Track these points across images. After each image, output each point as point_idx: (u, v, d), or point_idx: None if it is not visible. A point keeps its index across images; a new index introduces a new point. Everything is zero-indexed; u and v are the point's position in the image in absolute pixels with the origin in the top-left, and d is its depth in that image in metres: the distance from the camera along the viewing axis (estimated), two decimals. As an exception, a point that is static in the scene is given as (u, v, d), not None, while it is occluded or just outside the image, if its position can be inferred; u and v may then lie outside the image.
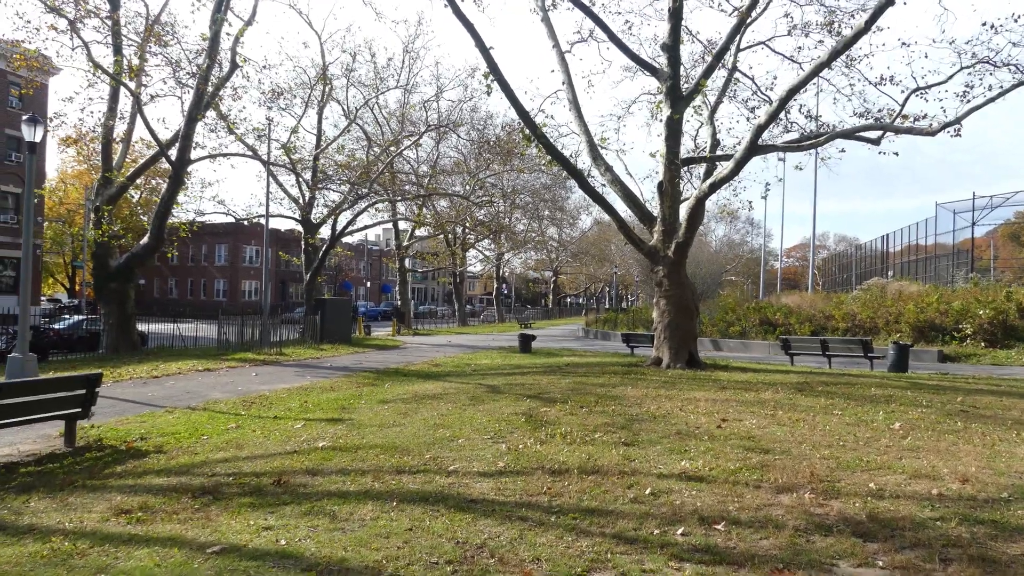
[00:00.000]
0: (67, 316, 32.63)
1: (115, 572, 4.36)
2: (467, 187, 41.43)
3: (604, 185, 19.98)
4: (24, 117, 14.79)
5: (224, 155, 26.87)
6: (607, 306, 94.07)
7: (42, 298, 58.81)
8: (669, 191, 18.40)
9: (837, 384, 14.55)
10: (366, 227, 40.91)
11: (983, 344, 25.24)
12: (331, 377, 17.04)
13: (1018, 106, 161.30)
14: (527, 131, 18.42)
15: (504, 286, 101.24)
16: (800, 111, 24.30)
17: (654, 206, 19.59)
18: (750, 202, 28.33)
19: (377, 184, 34.80)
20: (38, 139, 14.75)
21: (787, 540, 4.86)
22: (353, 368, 19.53)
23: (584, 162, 20.38)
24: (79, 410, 8.81)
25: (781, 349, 22.64)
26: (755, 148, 16.16)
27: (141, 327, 28.65)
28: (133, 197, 49.07)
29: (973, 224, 40.02)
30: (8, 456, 8.12)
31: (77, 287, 62.97)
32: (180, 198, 25.80)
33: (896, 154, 17.84)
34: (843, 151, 19.02)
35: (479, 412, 10.62)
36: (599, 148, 19.60)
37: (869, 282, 38.09)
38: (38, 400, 8.31)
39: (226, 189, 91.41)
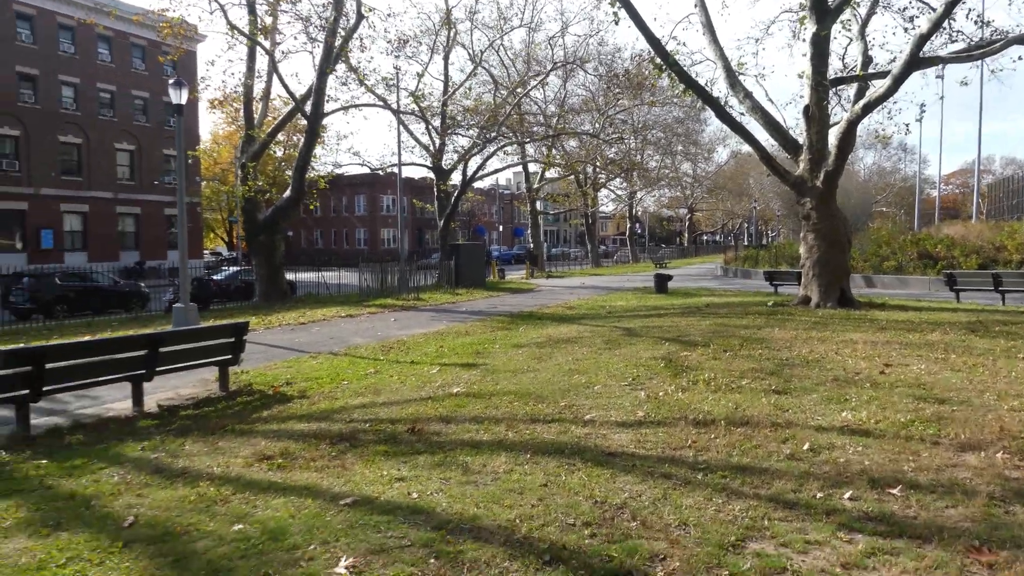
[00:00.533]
0: (226, 268, 35.00)
1: (252, 521, 4.37)
2: (596, 125, 40.33)
3: (743, 114, 18.62)
4: (170, 81, 15.49)
5: (355, 106, 27.42)
6: (746, 243, 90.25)
7: (205, 252, 63.58)
8: (816, 115, 16.87)
9: (1018, 323, 12.99)
10: (496, 171, 40.97)
11: None
12: (466, 322, 17.15)
13: None
14: (658, 60, 17.37)
15: (637, 225, 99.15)
16: (967, 17, 21.54)
17: (798, 133, 18.09)
18: (906, 125, 25.26)
19: (505, 127, 34.50)
20: (184, 101, 15.40)
21: (980, 510, 4.18)
22: (487, 312, 19.61)
23: (720, 90, 19.05)
24: (229, 356, 9.21)
25: (945, 285, 20.63)
26: (916, 62, 14.39)
27: (289, 276, 30.28)
28: (276, 153, 51.43)
29: None
30: (170, 400, 8.60)
31: (234, 241, 67.60)
32: (317, 151, 26.70)
33: (1093, 56, 15.44)
34: (1021, 59, 16.62)
35: (615, 357, 10.23)
36: (736, 74, 18.23)
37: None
38: (192, 348, 8.73)
39: (360, 141, 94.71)
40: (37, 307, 21.87)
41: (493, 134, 32.59)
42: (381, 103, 28.89)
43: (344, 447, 6.05)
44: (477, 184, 78.62)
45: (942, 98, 19.29)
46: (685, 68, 18.11)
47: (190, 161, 27.91)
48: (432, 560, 3.71)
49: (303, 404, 8.01)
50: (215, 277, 29.78)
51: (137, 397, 8.09)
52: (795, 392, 7.49)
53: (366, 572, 3.62)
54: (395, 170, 33.40)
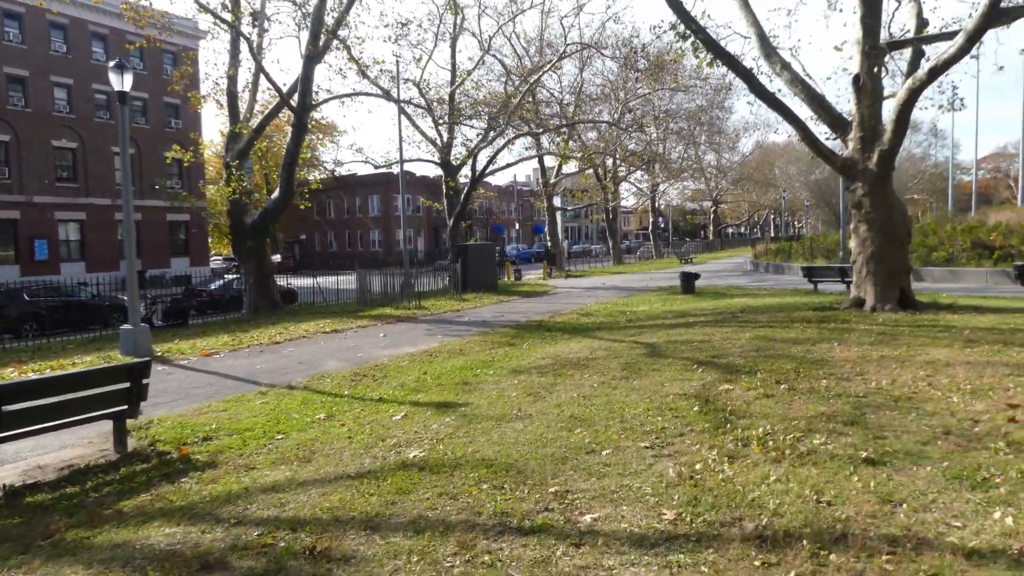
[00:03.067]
0: (224, 276, 33.10)
1: None
2: (615, 115, 37.79)
3: (779, 91, 16.13)
4: (111, 64, 13.39)
5: (349, 96, 25.19)
6: (772, 235, 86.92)
7: (217, 257, 62.04)
8: (868, 86, 14.36)
9: None
10: (508, 165, 38.63)
11: None
12: (464, 335, 14.90)
13: None
14: (681, 27, 15.00)
15: (660, 219, 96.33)
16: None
17: (843, 111, 15.62)
18: (962, 100, 21.38)
19: (517, 117, 32.16)
20: (127, 87, 13.32)
21: None
22: (492, 323, 17.33)
23: (751, 63, 16.57)
24: (125, 407, 7.02)
25: (1015, 279, 18.00)
26: (996, 13, 11.83)
27: (296, 282, 28.29)
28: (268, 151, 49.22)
29: None
30: (31, 473, 6.42)
31: (244, 245, 65.96)
32: (319, 150, 24.61)
33: None
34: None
35: (633, 392, 7.88)
36: (772, 43, 15.78)
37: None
38: (61, 401, 6.53)
39: (363, 136, 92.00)
40: (3, 326, 19.96)
41: (503, 124, 30.23)
42: (381, 93, 26.62)
43: (200, 584, 3.82)
44: (493, 181, 76.44)
45: (1001, 68, 16.52)
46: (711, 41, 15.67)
47: (187, 164, 26.08)
48: None
49: (200, 482, 5.78)
50: (210, 286, 27.90)
51: (-23, 473, 5.93)
52: (897, 460, 5.10)
53: None
54: (410, 168, 31.18)
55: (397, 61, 27.29)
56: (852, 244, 15.20)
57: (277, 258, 58.95)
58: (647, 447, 5.74)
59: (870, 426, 5.97)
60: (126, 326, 13.39)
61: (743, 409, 6.74)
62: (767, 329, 12.42)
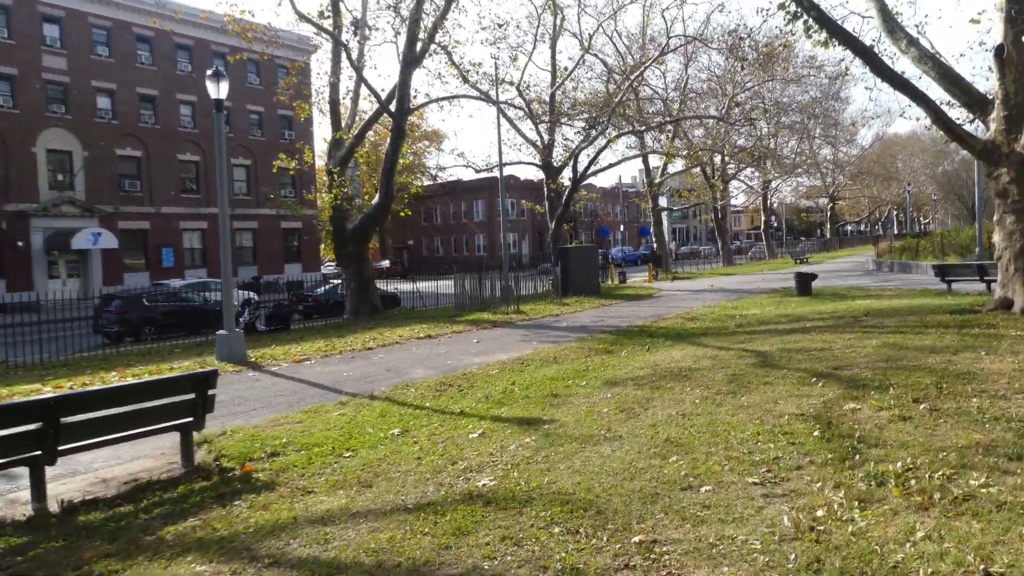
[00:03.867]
0: (331, 282, 33.73)
1: None
2: (721, 110, 35.97)
3: (902, 73, 14.43)
4: (208, 72, 13.50)
5: (447, 99, 25.00)
6: (895, 232, 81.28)
7: (330, 264, 63.98)
8: (1014, 56, 12.59)
9: None
10: (611, 166, 37.49)
11: None
12: (561, 342, 14.14)
13: None
14: (792, 6, 13.72)
15: (773, 218, 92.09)
16: None
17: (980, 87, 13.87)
18: None
19: (619, 115, 31.11)
20: (223, 95, 13.37)
21: None
22: (591, 328, 16.49)
23: (869, 42, 14.95)
24: (190, 419, 6.70)
25: None
26: None
27: (402, 287, 28.42)
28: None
29: None
30: (92, 487, 6.17)
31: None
32: (426, 158, 24.53)
33: None
34: None
35: (741, 411, 6.89)
36: (895, 17, 14.19)
37: None
38: (125, 413, 6.24)
39: (465, 141, 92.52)
40: (125, 330, 20.89)
41: (604, 123, 29.24)
42: (480, 95, 26.22)
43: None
44: (597, 183, 75.26)
45: None
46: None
47: (292, 172, 26.81)
48: None
49: (252, 507, 5.30)
50: (316, 292, 28.40)
51: (37, 488, 5.68)
52: (1087, 511, 3.97)
53: None
54: (514, 172, 30.73)
55: (496, 63, 26.92)
56: (996, 238, 13.41)
57: (385, 263, 60.18)
58: (756, 483, 4.79)
59: (1043, 461, 4.80)
60: (221, 331, 13.44)
61: (875, 435, 5.65)
62: (897, 336, 11.00)
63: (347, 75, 23.91)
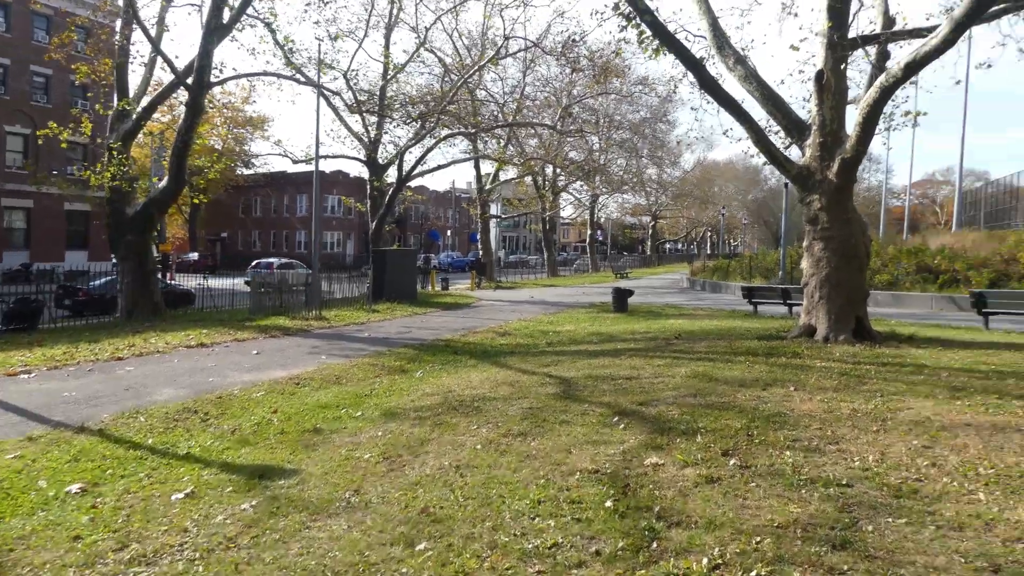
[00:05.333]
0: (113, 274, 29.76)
1: None
2: (556, 121, 35.61)
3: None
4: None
5: (254, 75, 22.45)
6: (708, 252, 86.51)
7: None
8: (832, 83, 12.54)
9: None
10: (439, 167, 36.09)
11: None
12: (354, 356, 12.45)
13: None
14: (626, 6, 12.99)
15: (599, 232, 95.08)
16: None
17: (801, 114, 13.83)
18: (915, 116, 19.31)
19: (452, 115, 29.80)
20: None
21: None
22: (394, 340, 14.92)
23: (702, 55, 14.60)
24: None
25: (972, 307, 16.49)
26: (986, 2, 10.08)
27: (215, 283, 25.29)
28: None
29: None
30: None
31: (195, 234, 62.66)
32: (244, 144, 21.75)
33: None
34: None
35: (526, 464, 5.60)
36: (725, 34, 13.88)
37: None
38: None
39: (288, 132, 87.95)
40: None
41: (435, 120, 27.78)
42: (298, 75, 23.77)
43: None
44: (431, 186, 73.82)
45: (959, 82, 15.09)
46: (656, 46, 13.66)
47: (64, 144, 22.88)
48: None
49: None
50: (90, 284, 24.63)
51: None
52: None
53: None
54: (339, 167, 28.42)
55: (320, 44, 24.75)
56: (804, 264, 13.34)
57: (194, 256, 55.22)
58: (522, 596, 3.46)
59: (872, 550, 3.83)
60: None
61: (678, 507, 4.52)
62: (707, 364, 10.36)
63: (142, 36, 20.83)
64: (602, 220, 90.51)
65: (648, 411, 7.35)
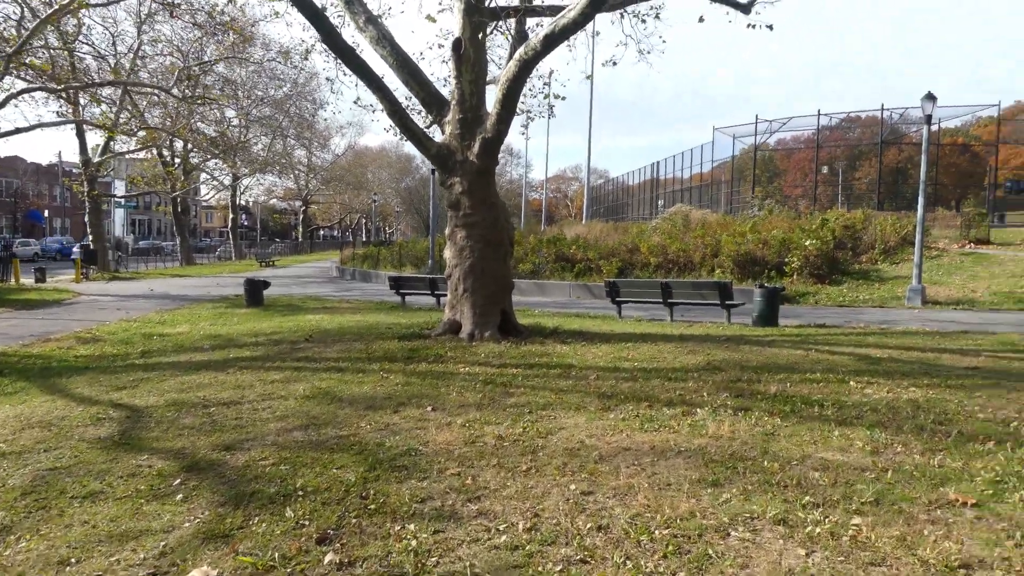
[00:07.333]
0: None
1: None
2: (185, 90, 30.73)
3: (358, 49, 12.35)
4: None
5: None
6: (364, 239, 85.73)
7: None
8: (472, 56, 11.44)
9: (769, 371, 8.85)
10: (17, 131, 29.05)
11: (812, 280, 21.84)
12: None
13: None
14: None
15: (246, 217, 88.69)
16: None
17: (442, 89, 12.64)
18: (551, 104, 20.15)
19: (32, 68, 23.78)
20: None
21: None
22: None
23: (338, 21, 12.61)
24: None
25: (607, 295, 17.04)
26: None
27: None
28: None
29: (756, 148, 38.03)
30: None
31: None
32: None
33: (770, 27, 12.53)
34: (701, 20, 13.09)
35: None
36: (355, -9, 12.04)
37: (671, 210, 34.48)
38: None
39: None
40: None
41: (1, 70, 21.76)
42: None
43: None
44: (28, 156, 61.29)
45: (589, 77, 15.44)
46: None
47: None
48: None
49: None
50: None
51: None
52: None
53: None
54: None
55: None
56: (447, 254, 12.15)
57: None
58: None
59: None
60: None
61: None
62: (335, 376, 8.47)
63: None
64: (249, 204, 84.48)
65: (234, 460, 5.19)
